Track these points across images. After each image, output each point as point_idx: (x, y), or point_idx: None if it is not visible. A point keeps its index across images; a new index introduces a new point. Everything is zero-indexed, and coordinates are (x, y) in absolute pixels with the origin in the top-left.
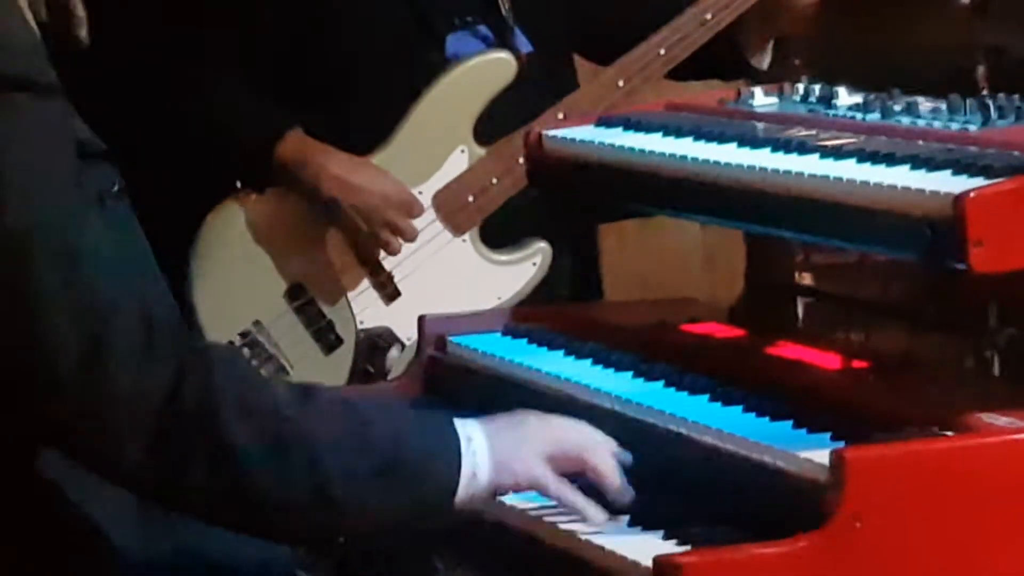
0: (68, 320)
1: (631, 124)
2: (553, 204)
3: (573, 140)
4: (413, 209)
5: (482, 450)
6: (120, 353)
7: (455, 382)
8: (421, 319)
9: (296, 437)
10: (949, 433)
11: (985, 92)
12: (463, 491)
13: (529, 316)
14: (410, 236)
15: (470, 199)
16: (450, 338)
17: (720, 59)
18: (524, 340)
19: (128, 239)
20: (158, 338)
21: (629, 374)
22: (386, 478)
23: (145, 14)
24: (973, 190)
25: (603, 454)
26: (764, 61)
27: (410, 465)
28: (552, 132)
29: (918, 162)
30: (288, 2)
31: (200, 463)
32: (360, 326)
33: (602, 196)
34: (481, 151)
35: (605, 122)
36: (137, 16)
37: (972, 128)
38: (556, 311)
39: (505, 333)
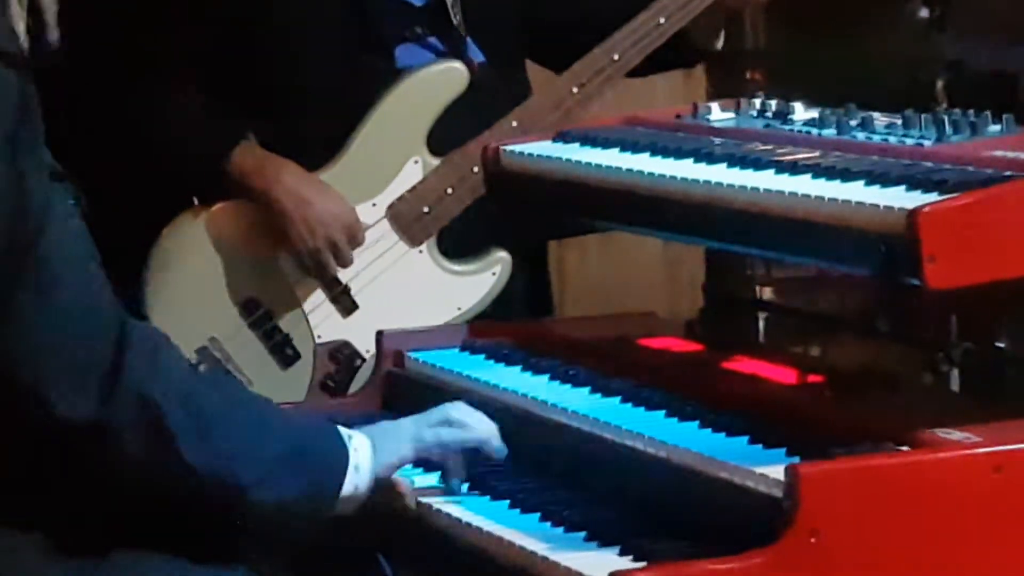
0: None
1: (588, 139)
2: (508, 217)
3: (531, 155)
4: (357, 235)
5: (362, 445)
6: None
7: (413, 397)
8: (379, 334)
9: (212, 415)
10: (905, 448)
11: (944, 106)
12: (348, 482)
13: (487, 332)
14: (347, 262)
15: (425, 210)
16: (408, 353)
17: (674, 51)
18: (482, 355)
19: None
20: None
21: (586, 390)
22: (286, 462)
23: (95, 26)
24: (927, 205)
25: (483, 420)
26: (718, 43)
27: (307, 452)
28: (510, 147)
29: (873, 177)
30: (236, 15)
31: (136, 431)
32: (318, 340)
33: (560, 211)
34: (435, 161)
35: (563, 137)
36: (88, 28)
37: (927, 143)
38: (514, 327)
39: (463, 348)
